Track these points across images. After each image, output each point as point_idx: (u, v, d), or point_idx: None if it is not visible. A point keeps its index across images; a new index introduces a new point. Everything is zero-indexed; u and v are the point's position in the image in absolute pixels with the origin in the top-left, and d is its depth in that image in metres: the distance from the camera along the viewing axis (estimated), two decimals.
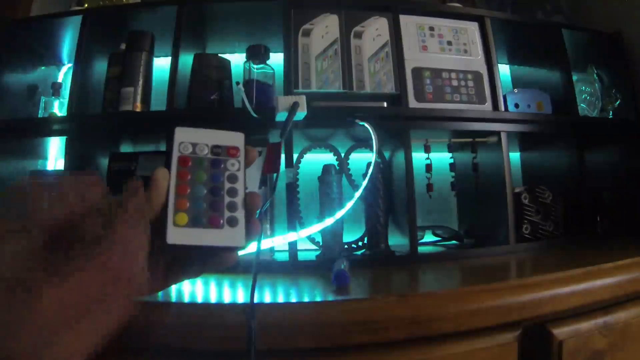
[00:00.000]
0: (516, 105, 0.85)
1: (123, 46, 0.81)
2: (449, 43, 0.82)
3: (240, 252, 0.32)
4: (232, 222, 0.30)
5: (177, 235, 0.28)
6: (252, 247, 0.36)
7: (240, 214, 0.31)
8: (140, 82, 0.78)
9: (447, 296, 0.42)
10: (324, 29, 0.77)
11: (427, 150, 0.81)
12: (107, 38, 0.84)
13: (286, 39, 0.76)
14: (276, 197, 0.78)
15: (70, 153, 0.75)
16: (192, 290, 0.48)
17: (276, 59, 0.82)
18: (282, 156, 0.68)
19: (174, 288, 0.47)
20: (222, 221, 0.30)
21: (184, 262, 0.34)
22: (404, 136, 0.73)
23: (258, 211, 0.32)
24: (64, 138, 0.75)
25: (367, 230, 0.76)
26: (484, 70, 0.81)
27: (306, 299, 0.44)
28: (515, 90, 0.87)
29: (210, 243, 0.29)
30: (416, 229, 0.71)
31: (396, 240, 0.76)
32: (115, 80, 0.79)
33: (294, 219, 0.69)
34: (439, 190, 0.83)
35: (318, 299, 0.44)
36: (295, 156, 0.75)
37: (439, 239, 0.89)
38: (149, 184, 0.30)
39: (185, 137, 0.32)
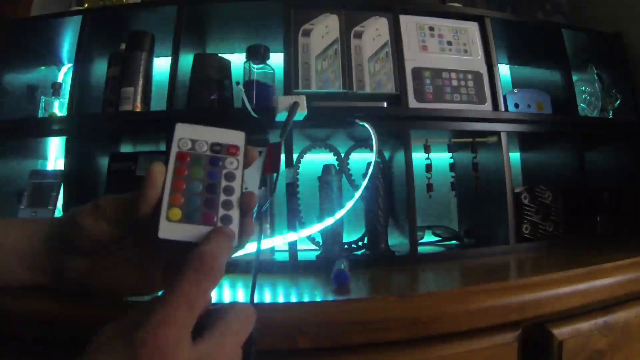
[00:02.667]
0: (516, 105, 0.85)
1: (123, 46, 0.81)
2: (449, 43, 0.82)
3: (237, 253, 0.32)
4: (226, 220, 0.30)
5: (169, 229, 0.28)
6: (251, 247, 0.36)
7: (234, 213, 0.30)
8: (140, 82, 0.78)
9: (447, 296, 0.42)
10: (324, 29, 0.77)
11: (427, 150, 0.81)
12: (107, 38, 0.84)
13: (286, 39, 0.76)
14: (276, 197, 0.78)
15: (70, 153, 0.75)
16: None
17: (276, 59, 0.82)
18: (282, 156, 0.68)
19: None
20: (215, 219, 0.30)
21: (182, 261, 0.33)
22: (404, 136, 0.73)
23: (255, 211, 0.32)
24: (64, 138, 0.75)
25: (367, 230, 0.76)
26: (484, 70, 0.81)
27: (306, 299, 0.44)
28: (515, 90, 0.87)
29: (202, 240, 0.29)
30: (416, 229, 0.71)
31: (396, 240, 0.76)
32: (115, 80, 0.79)
33: (294, 219, 0.69)
34: (439, 190, 0.83)
35: (318, 299, 0.44)
36: (295, 156, 0.75)
37: (439, 239, 0.89)
38: (144, 179, 0.30)
39: (186, 134, 0.32)
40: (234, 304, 0.27)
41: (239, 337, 0.26)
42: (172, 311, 0.23)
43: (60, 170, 0.81)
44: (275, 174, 0.51)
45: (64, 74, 0.98)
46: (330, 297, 0.42)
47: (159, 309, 0.23)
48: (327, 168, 0.73)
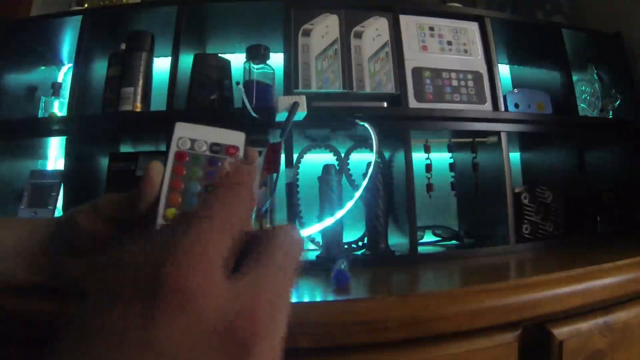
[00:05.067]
0: (516, 105, 0.85)
1: (123, 46, 0.81)
2: (449, 43, 0.82)
3: None
4: None
5: None
6: None
7: None
8: (140, 82, 0.78)
9: (447, 296, 0.42)
10: (324, 29, 0.77)
11: (427, 150, 0.81)
12: (107, 38, 0.84)
13: (286, 39, 0.76)
14: (276, 197, 0.78)
15: (70, 153, 0.75)
16: None
17: (276, 59, 0.82)
18: (282, 156, 0.68)
19: None
20: None
21: None
22: (404, 136, 0.73)
23: (253, 212, 0.32)
24: (64, 138, 0.75)
25: (367, 230, 0.76)
26: (484, 70, 0.81)
27: (306, 299, 0.44)
28: (515, 90, 0.87)
29: None
30: (416, 229, 0.71)
31: (396, 240, 0.76)
32: (115, 80, 0.79)
33: (294, 219, 0.69)
34: (439, 190, 0.82)
35: (318, 299, 0.44)
36: (295, 156, 0.75)
37: (439, 239, 0.89)
38: (142, 177, 0.30)
39: (185, 133, 0.32)
40: (277, 227, 0.22)
41: (287, 269, 0.20)
42: (201, 235, 0.18)
43: (60, 170, 0.81)
44: (275, 174, 0.51)
45: (64, 74, 0.98)
46: (330, 297, 0.42)
47: (184, 235, 0.18)
48: (327, 168, 0.73)
